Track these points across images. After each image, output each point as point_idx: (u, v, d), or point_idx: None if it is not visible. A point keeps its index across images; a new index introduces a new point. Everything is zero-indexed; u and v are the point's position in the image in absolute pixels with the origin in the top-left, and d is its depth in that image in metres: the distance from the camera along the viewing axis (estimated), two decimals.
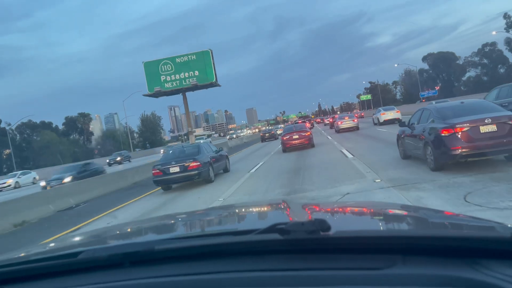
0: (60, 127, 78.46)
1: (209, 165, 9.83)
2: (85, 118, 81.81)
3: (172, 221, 1.69)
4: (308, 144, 15.46)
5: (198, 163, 9.37)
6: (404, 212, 1.41)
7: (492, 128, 5.52)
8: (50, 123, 75.36)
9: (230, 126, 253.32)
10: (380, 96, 78.55)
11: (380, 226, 1.19)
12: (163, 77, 22.51)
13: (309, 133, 16.00)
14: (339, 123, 22.94)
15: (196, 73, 22.33)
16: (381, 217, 1.31)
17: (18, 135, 70.47)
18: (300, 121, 35.66)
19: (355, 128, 22.01)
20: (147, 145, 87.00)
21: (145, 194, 10.25)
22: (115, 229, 1.74)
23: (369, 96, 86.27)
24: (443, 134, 5.69)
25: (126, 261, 0.89)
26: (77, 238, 1.56)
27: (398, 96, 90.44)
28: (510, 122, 5.51)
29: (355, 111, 62.03)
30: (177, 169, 9.38)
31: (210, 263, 0.83)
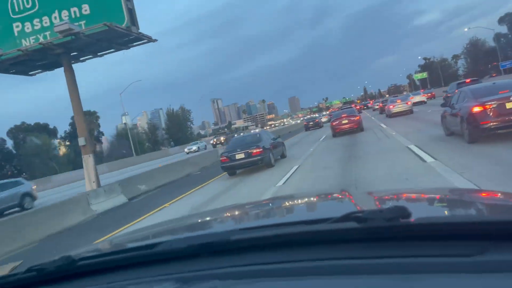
0: (67, 129, 71.82)
1: (269, 151, 12.20)
2: (91, 116, 74.43)
3: (243, 211, 1.85)
4: (358, 128, 17.41)
5: (261, 149, 11.75)
6: (484, 196, 1.43)
7: None
8: (46, 125, 68.00)
9: (268, 117, 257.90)
10: (440, 72, 75.62)
11: (463, 212, 1.22)
12: (17, 26, 12.04)
13: (358, 117, 17.93)
14: (391, 107, 23.76)
15: (86, 9, 11.76)
16: (461, 202, 1.34)
17: (12, 140, 64.08)
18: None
19: (408, 112, 22.71)
20: (172, 143, 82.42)
21: (213, 179, 12.92)
22: (188, 219, 1.89)
23: (424, 74, 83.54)
24: (474, 111, 7.50)
25: (203, 252, 0.97)
26: (151, 230, 1.69)
27: (461, 71, 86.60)
28: None
29: (404, 93, 59.75)
30: (242, 155, 11.84)
31: (284, 253, 0.89)
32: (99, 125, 77.46)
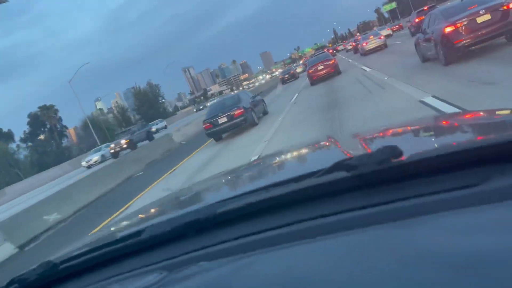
0: (26, 128, 68.75)
1: (251, 110, 12.33)
2: (49, 111, 69.26)
3: (228, 179, 1.80)
4: (335, 71, 17.50)
5: (242, 110, 11.87)
6: (473, 118, 1.38)
7: (487, 17, 7.42)
8: None
9: (242, 77, 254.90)
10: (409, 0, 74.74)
11: (457, 138, 1.17)
12: None
13: (333, 60, 17.98)
14: (364, 44, 23.73)
15: None
16: (452, 129, 1.31)
17: None
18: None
19: (383, 47, 22.75)
20: (144, 123, 79.32)
21: (161, 179, 10.67)
22: (170, 198, 1.85)
23: (393, 5, 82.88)
24: (446, 32, 7.68)
25: (190, 232, 0.93)
26: (134, 217, 1.66)
27: None
28: (502, 8, 7.38)
29: (374, 28, 58.95)
30: (224, 119, 11.94)
31: (275, 218, 0.85)
32: (60, 119, 72.01)
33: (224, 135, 12.87)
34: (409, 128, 1.60)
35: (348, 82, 13.70)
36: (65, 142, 74.34)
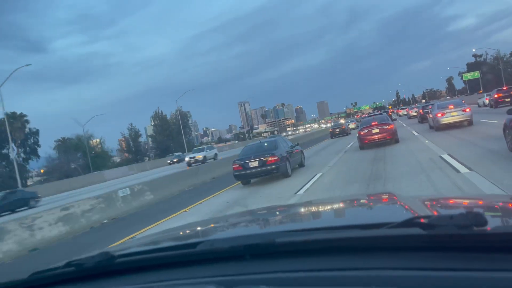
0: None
1: (286, 159, 11.79)
2: (15, 120, 53.52)
3: (284, 212, 1.87)
4: (391, 139, 16.37)
5: (276, 158, 11.33)
6: None
7: None
8: None
9: (288, 122, 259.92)
10: (501, 70, 70.48)
11: None
12: None
13: (392, 126, 16.87)
14: (439, 115, 18.25)
15: None
16: None
17: None
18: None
19: (465, 122, 17.80)
20: (151, 155, 72.54)
21: (226, 189, 12.53)
22: (228, 219, 1.93)
23: (476, 74, 78.09)
24: None
25: (246, 254, 0.98)
26: (190, 228, 1.76)
27: None
28: None
29: (442, 98, 54.97)
30: (256, 163, 11.45)
31: (336, 260, 0.87)
32: (35, 133, 58.17)
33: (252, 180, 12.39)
34: (476, 200, 1.59)
35: (407, 159, 10.71)
36: (26, 163, 57.36)
